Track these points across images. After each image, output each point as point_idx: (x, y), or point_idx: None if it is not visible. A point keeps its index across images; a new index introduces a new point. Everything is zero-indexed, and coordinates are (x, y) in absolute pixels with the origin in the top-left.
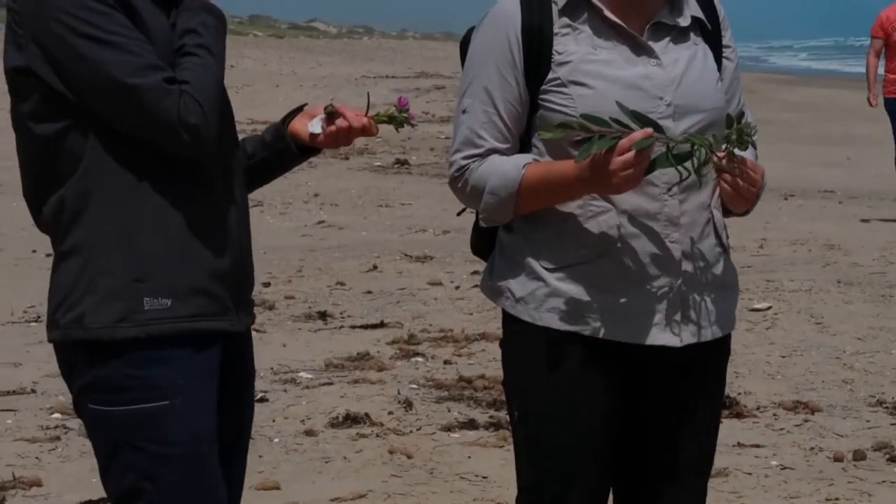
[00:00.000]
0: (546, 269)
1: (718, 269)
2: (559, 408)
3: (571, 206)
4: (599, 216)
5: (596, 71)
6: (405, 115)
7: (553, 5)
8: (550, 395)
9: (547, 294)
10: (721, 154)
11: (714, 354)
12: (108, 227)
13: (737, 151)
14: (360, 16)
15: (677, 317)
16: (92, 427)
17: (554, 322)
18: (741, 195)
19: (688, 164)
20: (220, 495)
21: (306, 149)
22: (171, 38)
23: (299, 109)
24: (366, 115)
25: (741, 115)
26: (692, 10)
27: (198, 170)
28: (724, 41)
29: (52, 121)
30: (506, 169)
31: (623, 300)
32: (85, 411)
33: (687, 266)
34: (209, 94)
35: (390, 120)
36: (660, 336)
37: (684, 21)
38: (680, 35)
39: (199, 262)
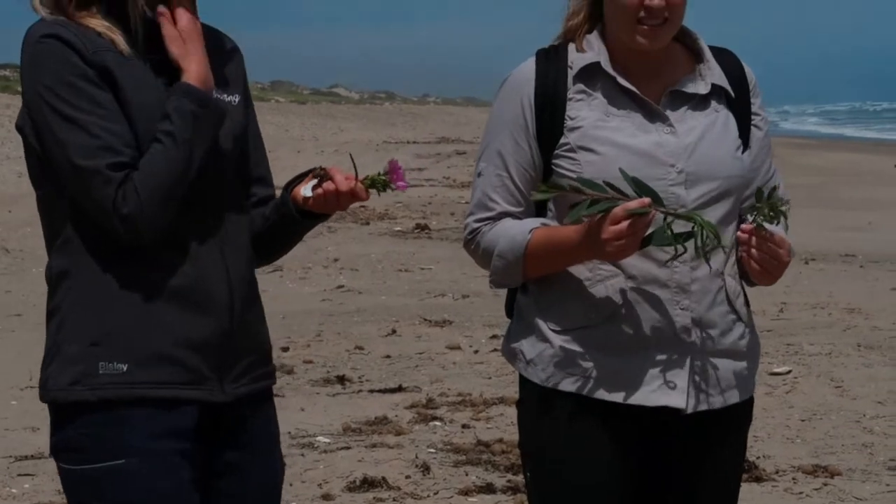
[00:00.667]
0: (553, 330)
1: (731, 336)
2: (567, 471)
3: (581, 270)
4: (607, 280)
5: (605, 137)
6: (383, 178)
7: (569, 70)
8: (559, 457)
9: (553, 356)
10: (747, 227)
11: (731, 421)
12: (77, 292)
13: (766, 225)
14: (382, 81)
15: (683, 383)
16: (63, 486)
17: (561, 384)
18: (766, 270)
19: (690, 243)
20: None
21: (311, 214)
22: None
23: (305, 175)
24: (355, 178)
25: (774, 188)
26: (715, 77)
27: (178, 239)
28: (754, 108)
29: (43, 183)
30: (514, 233)
31: (627, 365)
32: (59, 471)
33: (695, 333)
34: (155, 184)
35: (373, 184)
36: (663, 398)
37: (704, 89)
38: (700, 103)
39: (166, 330)
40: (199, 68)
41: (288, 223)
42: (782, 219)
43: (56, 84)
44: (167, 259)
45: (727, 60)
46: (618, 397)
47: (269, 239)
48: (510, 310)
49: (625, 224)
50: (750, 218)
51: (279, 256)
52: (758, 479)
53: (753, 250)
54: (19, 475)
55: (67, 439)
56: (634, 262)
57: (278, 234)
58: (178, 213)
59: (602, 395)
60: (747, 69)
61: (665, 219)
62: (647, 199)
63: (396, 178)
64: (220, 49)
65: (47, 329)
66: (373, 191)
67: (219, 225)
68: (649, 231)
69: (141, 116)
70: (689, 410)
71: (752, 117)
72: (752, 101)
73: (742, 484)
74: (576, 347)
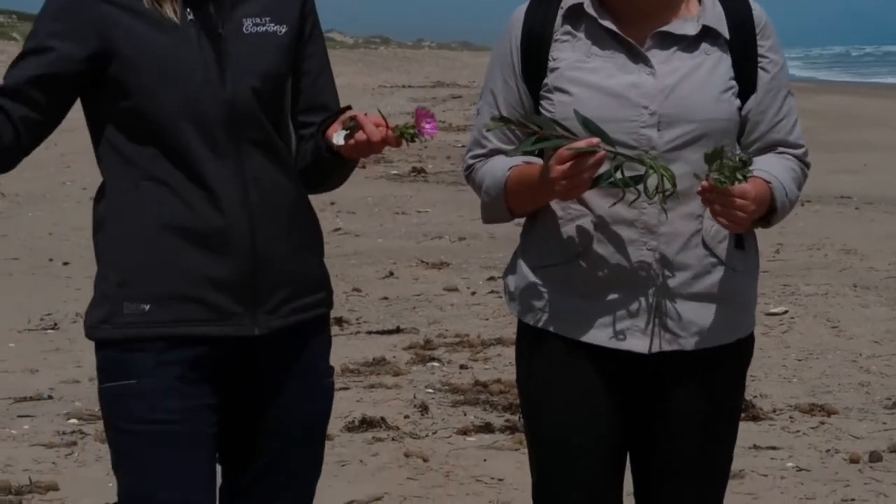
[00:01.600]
0: (529, 266)
1: (706, 279)
2: (548, 404)
3: (555, 208)
4: (576, 220)
5: (579, 78)
6: (411, 129)
7: (559, 10)
8: (539, 390)
9: (528, 291)
10: (705, 184)
11: (714, 362)
12: (109, 235)
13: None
14: (377, 26)
15: (646, 324)
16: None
17: (530, 318)
18: (732, 222)
19: (642, 186)
20: (189, 476)
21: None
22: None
23: (342, 111)
24: (386, 126)
25: (722, 147)
26: (707, 19)
27: (198, 180)
28: (762, 51)
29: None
30: (496, 170)
31: (593, 303)
32: None
33: (665, 275)
34: None
35: (402, 134)
36: (626, 342)
37: (693, 30)
38: (690, 45)
39: (186, 270)
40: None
41: (325, 164)
42: (738, 178)
43: (38, 22)
44: (187, 200)
45: (733, 1)
46: (577, 335)
47: (315, 175)
48: None
49: (568, 164)
50: (709, 175)
51: (330, 188)
52: (755, 418)
53: (715, 206)
54: (18, 416)
55: (99, 363)
56: (601, 202)
57: (320, 170)
58: (200, 153)
59: (563, 330)
60: (756, 10)
61: (614, 160)
62: (594, 139)
63: (425, 125)
64: None
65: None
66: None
67: (243, 163)
68: (600, 172)
69: (137, 83)
70: (651, 351)
71: (760, 59)
72: (760, 43)
73: (739, 422)
74: (546, 284)
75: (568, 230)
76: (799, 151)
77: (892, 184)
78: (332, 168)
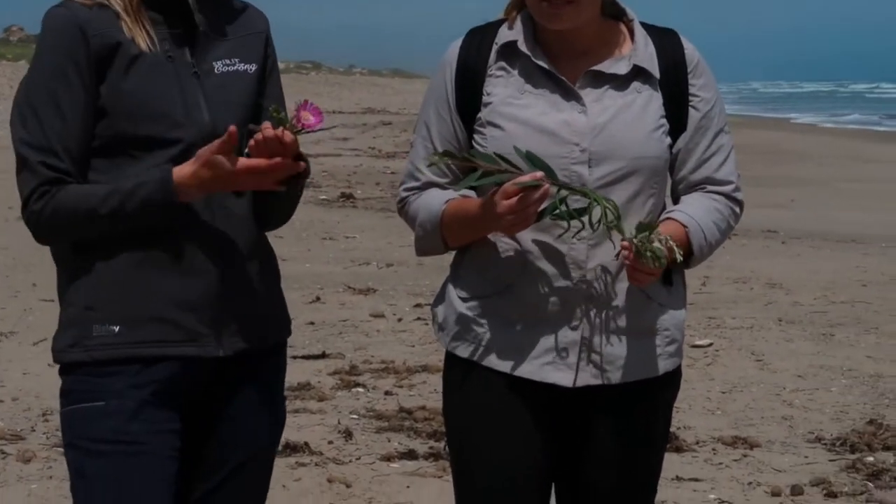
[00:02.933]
0: (459, 297)
1: (634, 314)
2: (472, 435)
3: (486, 241)
4: (505, 253)
5: (511, 114)
6: (278, 114)
7: (494, 46)
8: (464, 421)
9: (456, 322)
10: (624, 243)
11: (639, 396)
12: (76, 261)
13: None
14: (308, 51)
15: (573, 358)
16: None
17: (458, 349)
18: (637, 281)
19: (586, 218)
20: (153, 498)
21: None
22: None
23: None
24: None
25: (652, 228)
26: (639, 58)
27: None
28: (693, 90)
29: None
30: (432, 203)
31: (521, 336)
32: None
33: (591, 309)
34: (62, 215)
35: (279, 123)
36: (552, 374)
37: (624, 69)
38: (622, 83)
39: (157, 292)
40: (203, 185)
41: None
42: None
43: (44, 64)
44: (159, 226)
45: (666, 41)
46: (506, 367)
47: (263, 204)
48: None
49: (515, 199)
50: (635, 239)
51: (275, 219)
52: (678, 450)
53: (626, 262)
54: None
55: (66, 386)
56: (532, 236)
57: (263, 197)
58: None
59: (493, 363)
60: (688, 49)
61: (558, 192)
62: (539, 173)
63: (307, 113)
64: (245, 20)
65: (58, 291)
66: (334, 158)
67: (214, 194)
68: (544, 206)
69: (121, 111)
70: (577, 385)
71: (691, 98)
72: (692, 81)
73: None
74: (474, 315)
75: (498, 263)
76: (727, 189)
77: (818, 219)
78: (273, 197)
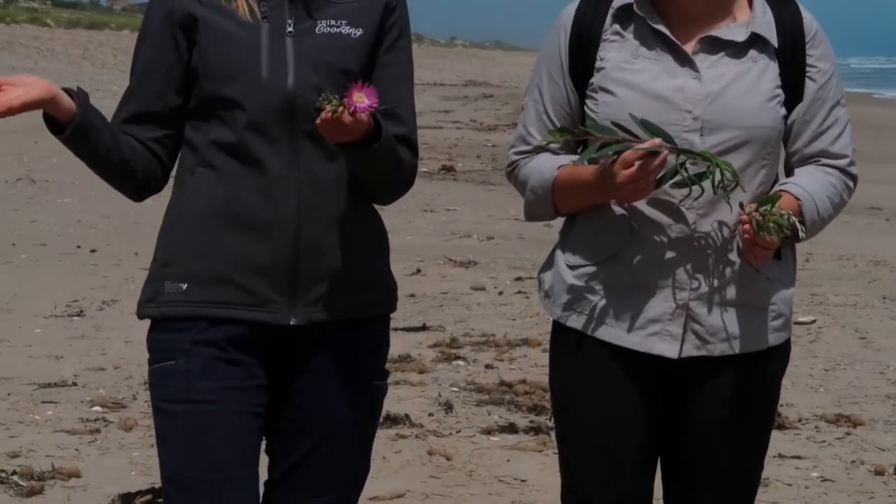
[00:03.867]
0: (567, 265)
1: (740, 287)
2: (579, 404)
3: (594, 210)
4: (615, 222)
5: (624, 79)
6: (333, 98)
7: (610, 10)
8: (572, 391)
9: (562, 290)
10: (743, 216)
11: (747, 369)
12: (166, 217)
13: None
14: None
15: (678, 329)
16: None
17: (565, 318)
18: (753, 256)
19: (706, 182)
20: (224, 457)
21: (351, 147)
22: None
23: None
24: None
25: (775, 200)
26: (757, 26)
27: (252, 168)
28: (810, 60)
29: None
30: (544, 168)
31: (625, 306)
32: None
33: (697, 280)
34: None
35: (329, 102)
36: (657, 345)
37: (741, 36)
38: (739, 51)
39: (226, 253)
40: None
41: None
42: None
43: (146, 24)
44: (238, 186)
45: (785, 10)
46: (613, 338)
47: (356, 177)
48: None
49: (635, 167)
50: (755, 213)
51: (373, 189)
52: (780, 427)
53: (745, 236)
54: (42, 402)
55: (148, 344)
56: (642, 206)
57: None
58: (255, 142)
59: (600, 334)
60: (807, 19)
61: (677, 158)
62: (657, 140)
63: (360, 99)
64: None
65: None
66: (433, 131)
67: (297, 155)
68: (662, 173)
69: (207, 72)
70: (680, 356)
71: (808, 69)
72: (809, 52)
73: None
74: (581, 284)
75: (606, 232)
76: (842, 162)
77: None
78: (356, 165)
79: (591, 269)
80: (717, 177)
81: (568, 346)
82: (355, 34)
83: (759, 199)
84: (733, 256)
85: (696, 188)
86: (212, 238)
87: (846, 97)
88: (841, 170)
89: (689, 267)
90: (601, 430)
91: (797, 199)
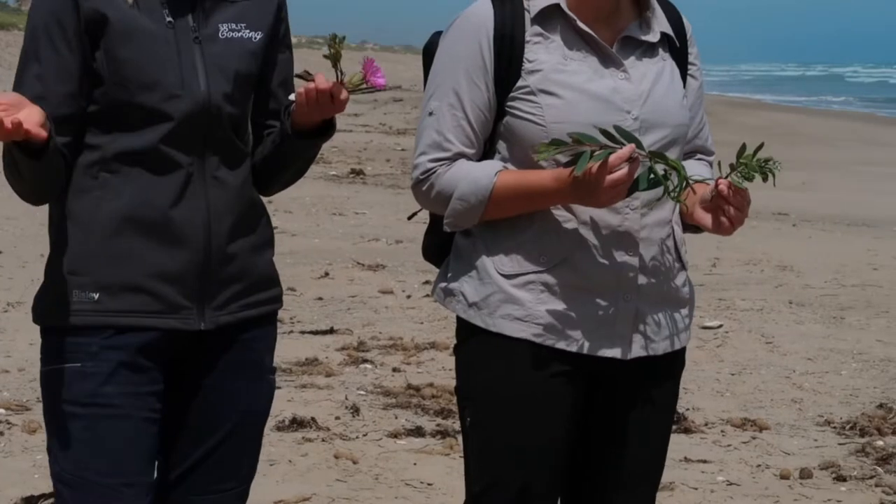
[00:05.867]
0: (503, 274)
1: (675, 284)
2: (513, 414)
3: (532, 215)
4: (560, 226)
5: (565, 81)
6: (359, 82)
7: (526, 13)
8: (504, 401)
9: (501, 300)
10: (725, 182)
11: (668, 367)
12: (63, 223)
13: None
14: (320, 26)
15: (628, 330)
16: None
17: (507, 328)
18: (732, 223)
19: (668, 184)
20: (125, 461)
21: (307, 134)
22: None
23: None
24: (340, 82)
25: (761, 145)
26: (661, 26)
27: (157, 174)
28: (691, 58)
29: None
30: (476, 175)
31: (576, 310)
32: None
33: (643, 280)
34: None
35: (355, 87)
36: (609, 348)
37: (653, 37)
38: (648, 50)
39: (138, 261)
40: None
41: (289, 143)
42: (706, 166)
43: (30, 28)
44: (146, 192)
45: (667, 9)
46: (563, 345)
47: (275, 162)
48: (432, 253)
49: (624, 170)
50: (728, 174)
51: (284, 178)
52: (686, 431)
53: (729, 207)
54: None
55: (44, 347)
56: (586, 209)
57: (282, 155)
58: (166, 150)
59: (547, 341)
60: (685, 18)
61: (651, 161)
62: (632, 146)
63: (372, 74)
64: None
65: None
66: (344, 134)
67: (203, 161)
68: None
69: (117, 80)
70: (630, 356)
71: (689, 67)
72: (690, 50)
73: (671, 434)
74: (525, 293)
75: (552, 236)
76: (712, 158)
77: (830, 202)
78: (293, 153)
79: (534, 275)
80: (674, 181)
81: (498, 352)
82: (256, 38)
83: (738, 154)
84: (670, 255)
85: (658, 190)
86: (122, 246)
87: (750, 104)
88: (711, 164)
89: (634, 267)
90: (534, 440)
91: (707, 183)
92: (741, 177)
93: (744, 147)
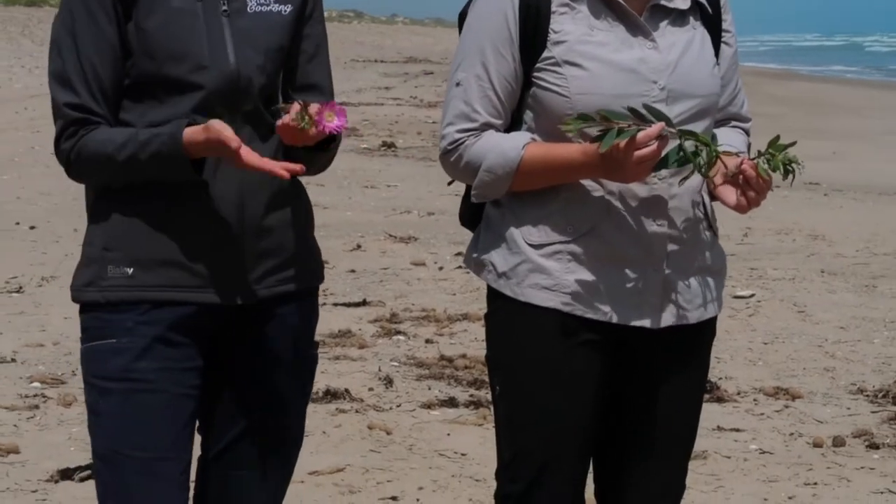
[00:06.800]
0: (531, 244)
1: (706, 253)
2: (540, 383)
3: (560, 186)
4: (588, 196)
5: (591, 52)
6: (306, 119)
7: None
8: (532, 370)
9: (529, 270)
10: (749, 163)
11: (699, 335)
12: (99, 200)
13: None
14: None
15: (658, 299)
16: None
17: (535, 298)
18: (749, 205)
19: (698, 161)
20: (158, 436)
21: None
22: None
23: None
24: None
25: (793, 143)
26: None
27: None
28: (725, 25)
29: None
30: (504, 147)
31: (605, 280)
32: None
33: (673, 249)
34: (86, 157)
35: (300, 118)
36: (638, 318)
37: (683, 4)
38: (679, 18)
39: (172, 235)
40: (209, 153)
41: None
42: (744, 135)
43: (68, 3)
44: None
45: None
46: (591, 314)
47: (298, 154)
48: (468, 219)
49: (652, 147)
50: (755, 158)
51: (314, 170)
52: (719, 400)
53: (750, 190)
54: None
55: (83, 323)
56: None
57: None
58: (193, 115)
59: (576, 310)
60: None
61: (681, 139)
62: (662, 124)
63: (330, 119)
64: None
65: None
66: (374, 108)
67: (236, 134)
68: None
69: (146, 51)
70: (661, 325)
71: (723, 34)
72: (724, 17)
73: (703, 404)
74: (552, 262)
75: (580, 206)
76: (748, 125)
77: (861, 171)
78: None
79: (561, 245)
80: (707, 155)
81: (529, 322)
82: (285, 11)
83: (771, 143)
84: (701, 223)
85: (689, 167)
86: (155, 220)
87: (779, 74)
88: (747, 132)
89: (664, 237)
90: (561, 407)
91: (738, 156)
92: (767, 164)
93: (777, 138)
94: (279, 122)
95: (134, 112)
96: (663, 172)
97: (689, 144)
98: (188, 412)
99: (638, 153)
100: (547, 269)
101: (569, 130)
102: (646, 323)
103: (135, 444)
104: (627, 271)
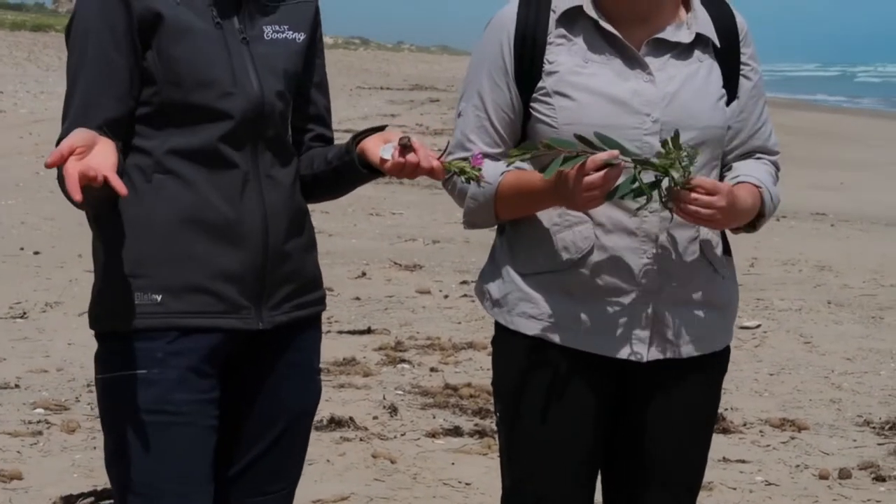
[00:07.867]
0: (519, 273)
1: (703, 287)
2: (532, 411)
3: (550, 215)
4: (574, 227)
5: (581, 83)
6: (477, 171)
7: (552, 13)
8: (524, 398)
9: (519, 298)
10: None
11: (699, 370)
12: (114, 228)
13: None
14: (357, 27)
15: (645, 332)
16: (96, 396)
17: (523, 326)
18: (702, 220)
19: (658, 191)
20: (191, 469)
21: (372, 169)
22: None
23: (377, 129)
24: (439, 158)
25: (675, 135)
26: (700, 26)
27: (214, 172)
28: (744, 58)
29: None
30: (486, 175)
31: (591, 310)
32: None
33: (663, 283)
34: None
35: (461, 172)
36: (624, 350)
37: (687, 38)
38: (683, 52)
39: (200, 262)
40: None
41: (349, 172)
42: (765, 166)
43: (79, 30)
44: (203, 193)
45: (718, 8)
46: (577, 344)
47: (327, 182)
48: None
49: (599, 174)
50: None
51: (331, 198)
52: (725, 431)
53: (682, 204)
54: None
55: (102, 353)
56: (604, 210)
57: (337, 179)
58: (222, 149)
59: (561, 340)
60: (738, 17)
61: (635, 169)
62: (615, 152)
63: (476, 163)
64: None
65: (94, 258)
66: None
67: (257, 160)
68: (618, 182)
69: (170, 79)
70: (648, 359)
71: (742, 67)
72: (742, 50)
73: None
74: (539, 292)
75: (566, 237)
76: (776, 157)
77: (868, 202)
78: (353, 180)
79: (550, 275)
80: (665, 184)
81: (523, 352)
82: (299, 39)
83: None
84: (696, 256)
85: (644, 199)
86: (182, 247)
87: (783, 104)
88: (774, 164)
89: (654, 269)
90: (555, 436)
91: (757, 186)
92: (663, 173)
93: (665, 143)
94: (412, 162)
95: (155, 139)
96: (654, 205)
97: (653, 175)
98: (213, 444)
99: (585, 180)
100: (533, 299)
101: (510, 161)
102: (634, 355)
103: (172, 478)
104: (614, 303)
